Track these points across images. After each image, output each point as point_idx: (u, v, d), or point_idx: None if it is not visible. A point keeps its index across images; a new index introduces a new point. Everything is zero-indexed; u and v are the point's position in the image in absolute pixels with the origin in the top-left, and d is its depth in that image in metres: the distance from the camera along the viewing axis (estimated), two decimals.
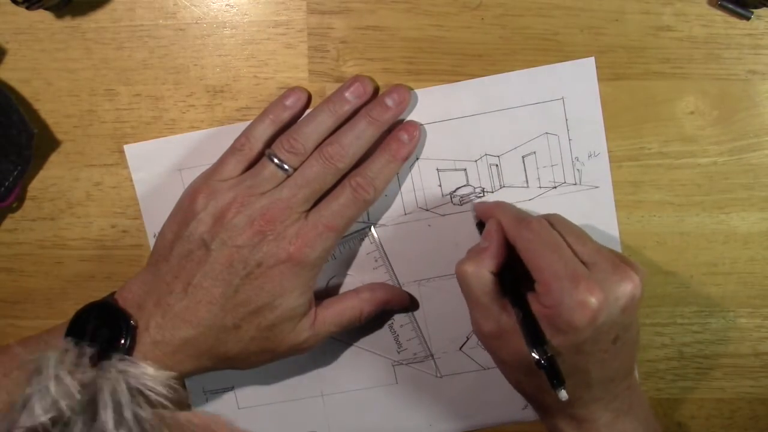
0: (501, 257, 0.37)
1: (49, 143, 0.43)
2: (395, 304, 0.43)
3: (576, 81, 0.40)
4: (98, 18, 0.41)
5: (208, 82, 0.42)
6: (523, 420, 0.44)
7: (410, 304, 0.43)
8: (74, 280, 0.45)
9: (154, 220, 0.43)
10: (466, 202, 0.42)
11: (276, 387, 0.45)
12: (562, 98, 0.41)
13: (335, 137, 0.38)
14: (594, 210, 0.42)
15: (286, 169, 0.38)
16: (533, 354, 0.33)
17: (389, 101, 0.39)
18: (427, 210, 0.42)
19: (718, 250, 0.42)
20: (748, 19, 0.39)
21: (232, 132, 0.40)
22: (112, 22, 0.41)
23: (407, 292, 0.43)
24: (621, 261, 0.35)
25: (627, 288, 0.34)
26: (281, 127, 0.40)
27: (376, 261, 0.43)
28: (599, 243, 0.36)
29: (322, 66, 0.41)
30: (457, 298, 0.42)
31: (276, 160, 0.38)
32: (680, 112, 0.41)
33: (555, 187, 0.42)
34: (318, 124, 0.38)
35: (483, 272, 0.36)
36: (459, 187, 0.42)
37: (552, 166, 0.41)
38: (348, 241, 0.43)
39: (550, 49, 0.40)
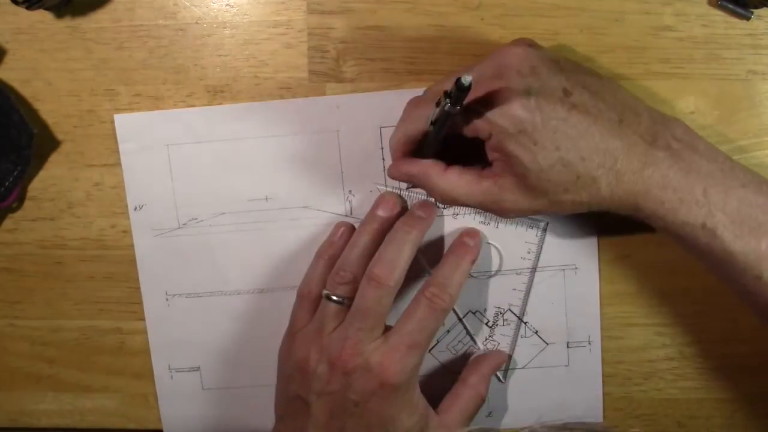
0: (432, 153, 0.37)
1: (49, 143, 0.43)
2: (499, 366, 0.43)
3: None
4: (98, 18, 0.41)
5: (208, 82, 0.42)
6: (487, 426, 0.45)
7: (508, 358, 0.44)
8: (74, 280, 0.45)
9: (136, 193, 0.43)
10: (447, 207, 0.42)
11: (243, 371, 0.45)
12: None
13: (378, 256, 0.38)
14: (575, 218, 0.42)
15: (341, 302, 0.39)
16: (448, 96, 0.31)
17: (419, 212, 0.40)
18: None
19: None
20: (748, 19, 0.39)
21: (224, 112, 0.41)
22: (112, 22, 0.41)
23: (499, 351, 0.43)
24: (494, 52, 0.34)
25: (509, 59, 0.33)
26: (334, 263, 0.40)
27: None
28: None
29: (322, 66, 0.41)
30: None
31: (332, 297, 0.39)
32: (680, 112, 0.41)
33: None
34: (357, 248, 0.39)
35: (447, 177, 0.36)
36: None
37: None
38: None
39: (550, 49, 0.40)
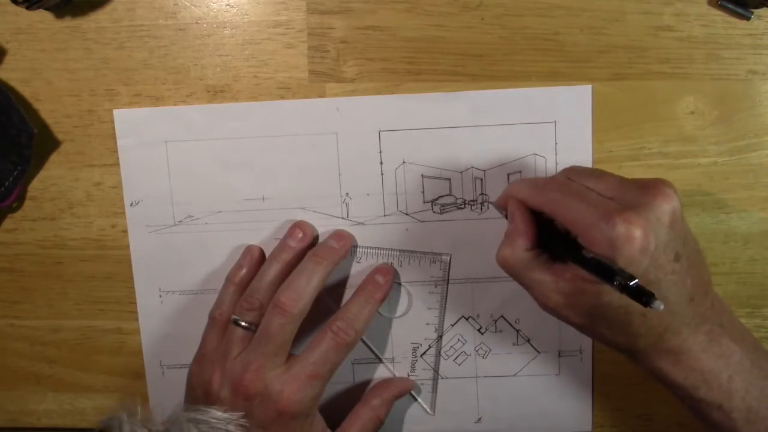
0: (531, 232, 0.35)
1: (49, 143, 0.43)
2: (403, 393, 0.44)
3: (570, 106, 0.40)
4: (98, 18, 0.41)
5: (208, 82, 0.42)
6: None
7: (414, 386, 0.44)
8: (74, 280, 0.45)
9: (133, 189, 0.43)
10: (446, 212, 0.42)
11: None
12: (555, 122, 0.41)
13: (286, 284, 0.39)
14: None
15: (248, 328, 0.39)
16: (615, 283, 0.30)
17: (332, 242, 0.41)
18: (406, 214, 0.42)
19: (718, 250, 0.42)
20: (748, 19, 0.39)
21: (223, 110, 0.41)
22: (112, 22, 0.41)
23: (405, 378, 0.44)
24: (646, 182, 0.33)
25: (663, 204, 0.32)
26: (245, 288, 0.41)
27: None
28: (618, 175, 0.35)
29: (322, 66, 0.41)
30: (422, 303, 0.43)
31: (240, 322, 0.39)
32: (680, 112, 0.41)
33: None
34: (267, 276, 0.40)
35: (519, 252, 0.35)
36: (441, 196, 0.42)
37: None
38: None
39: (550, 49, 0.40)
